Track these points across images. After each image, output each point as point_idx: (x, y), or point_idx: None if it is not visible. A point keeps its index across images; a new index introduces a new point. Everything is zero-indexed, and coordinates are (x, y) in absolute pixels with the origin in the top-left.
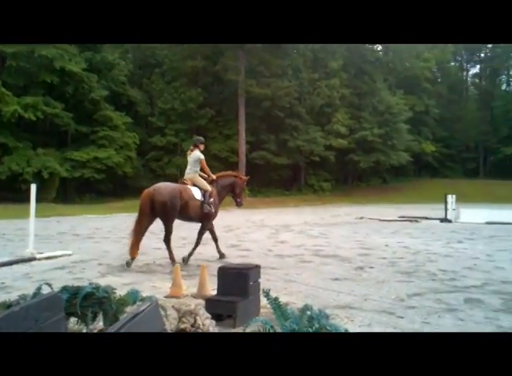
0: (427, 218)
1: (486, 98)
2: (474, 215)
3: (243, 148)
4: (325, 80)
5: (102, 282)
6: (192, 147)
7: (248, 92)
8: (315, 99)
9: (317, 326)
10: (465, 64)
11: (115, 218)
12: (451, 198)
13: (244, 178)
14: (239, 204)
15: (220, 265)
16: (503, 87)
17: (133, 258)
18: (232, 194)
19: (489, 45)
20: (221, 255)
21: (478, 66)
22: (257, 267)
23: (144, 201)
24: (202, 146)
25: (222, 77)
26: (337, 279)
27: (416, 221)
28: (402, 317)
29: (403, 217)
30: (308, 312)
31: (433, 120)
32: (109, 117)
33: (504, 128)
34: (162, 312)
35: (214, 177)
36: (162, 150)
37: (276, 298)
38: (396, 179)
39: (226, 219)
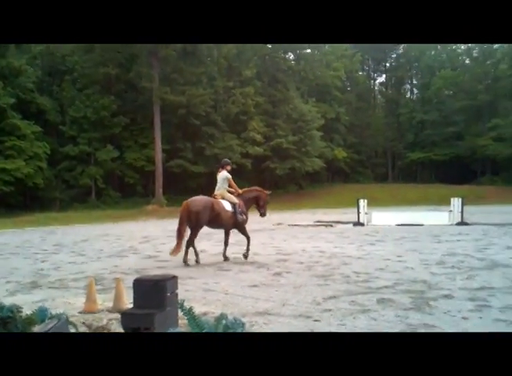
0: (340, 223)
1: (392, 106)
2: (385, 217)
3: (159, 156)
4: (239, 88)
5: (12, 301)
6: (220, 168)
7: (163, 99)
8: (230, 107)
9: None
10: (372, 73)
11: (25, 232)
12: (363, 202)
13: (267, 192)
14: (262, 215)
15: (136, 277)
16: (408, 95)
17: (185, 255)
18: (256, 206)
19: (393, 55)
20: (225, 258)
21: (384, 76)
22: (175, 278)
23: (183, 211)
24: (229, 167)
25: (136, 84)
26: (255, 286)
27: (331, 225)
28: (319, 320)
29: (318, 222)
30: (224, 322)
31: (344, 127)
32: (16, 126)
33: (409, 134)
34: (72, 330)
35: (240, 191)
36: (75, 159)
37: (190, 309)
38: (311, 185)
39: (144, 230)
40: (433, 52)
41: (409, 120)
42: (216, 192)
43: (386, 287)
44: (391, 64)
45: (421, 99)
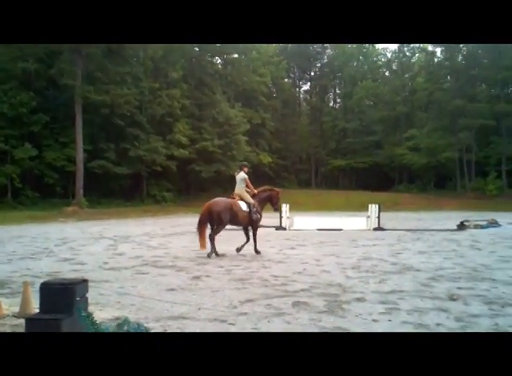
0: (263, 226)
1: (316, 113)
2: (306, 222)
3: (80, 156)
4: (165, 90)
5: None
6: (238, 170)
7: (86, 98)
8: (155, 109)
9: None
10: (297, 81)
11: None
12: (285, 207)
13: (277, 190)
14: (276, 210)
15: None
16: (331, 104)
17: (212, 249)
18: (270, 203)
19: (318, 64)
20: (256, 252)
21: (309, 84)
22: (85, 281)
23: (205, 210)
24: (246, 169)
25: (57, 81)
26: (172, 289)
27: None
28: (234, 324)
29: None
30: (125, 328)
31: (269, 132)
32: None
33: (332, 141)
34: None
35: (255, 191)
36: None
37: (89, 315)
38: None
39: (62, 232)
40: (355, 63)
41: (332, 128)
42: (235, 191)
43: (302, 290)
44: (315, 73)
45: (343, 108)
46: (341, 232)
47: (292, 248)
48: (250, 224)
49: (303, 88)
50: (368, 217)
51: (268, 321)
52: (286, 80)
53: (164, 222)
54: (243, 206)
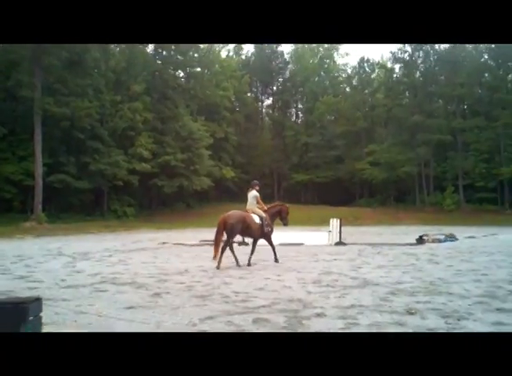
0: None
1: (278, 128)
2: None
3: (39, 170)
4: (127, 103)
5: None
6: (250, 188)
7: (45, 110)
8: (117, 122)
9: None
10: (260, 95)
11: None
12: None
13: (287, 206)
14: (285, 224)
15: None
16: (293, 118)
17: (218, 261)
18: (280, 218)
19: (280, 79)
20: (249, 264)
21: (271, 99)
22: (39, 300)
23: (220, 222)
24: (257, 187)
25: (15, 93)
26: (131, 307)
27: None
28: None
29: (204, 241)
30: None
31: (232, 146)
32: None
33: (294, 156)
34: None
35: (265, 208)
36: None
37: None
38: (199, 204)
39: (19, 248)
40: (316, 79)
41: (294, 142)
42: (247, 207)
43: (263, 306)
44: (277, 87)
45: (305, 123)
46: (303, 246)
47: (254, 264)
48: (262, 236)
49: (265, 103)
50: (330, 232)
51: None
52: (248, 94)
53: (125, 237)
54: (256, 219)
